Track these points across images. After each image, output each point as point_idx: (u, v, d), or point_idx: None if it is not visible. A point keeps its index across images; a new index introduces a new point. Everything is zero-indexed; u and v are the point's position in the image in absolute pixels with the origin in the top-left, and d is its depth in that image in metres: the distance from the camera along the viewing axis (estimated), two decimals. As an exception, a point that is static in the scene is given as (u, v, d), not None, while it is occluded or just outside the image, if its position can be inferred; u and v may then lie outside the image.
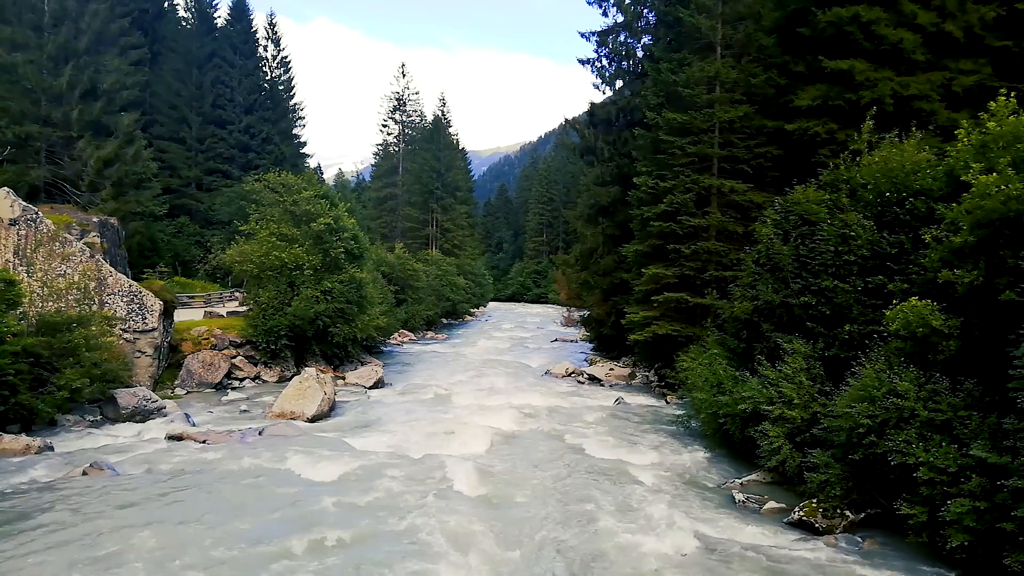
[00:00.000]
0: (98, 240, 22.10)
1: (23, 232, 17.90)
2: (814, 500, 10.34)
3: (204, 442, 13.87)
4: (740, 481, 12.30)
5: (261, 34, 50.34)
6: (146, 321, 19.12)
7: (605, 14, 29.22)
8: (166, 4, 48.98)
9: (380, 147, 71.64)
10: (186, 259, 40.55)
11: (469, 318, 61.67)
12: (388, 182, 69.61)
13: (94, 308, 17.77)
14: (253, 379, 22.21)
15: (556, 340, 41.82)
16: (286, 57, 51.86)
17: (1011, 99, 9.97)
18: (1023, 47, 16.85)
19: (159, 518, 9.54)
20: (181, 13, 49.37)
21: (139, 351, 18.97)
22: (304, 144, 54.20)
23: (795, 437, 11.46)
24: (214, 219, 42.29)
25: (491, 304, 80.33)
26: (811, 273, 12.55)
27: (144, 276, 23.75)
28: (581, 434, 15.88)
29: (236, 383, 21.60)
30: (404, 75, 69.59)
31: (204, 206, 43.27)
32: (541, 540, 9.41)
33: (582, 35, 29.59)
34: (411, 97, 69.95)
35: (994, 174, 9.00)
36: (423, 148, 65.41)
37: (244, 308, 25.48)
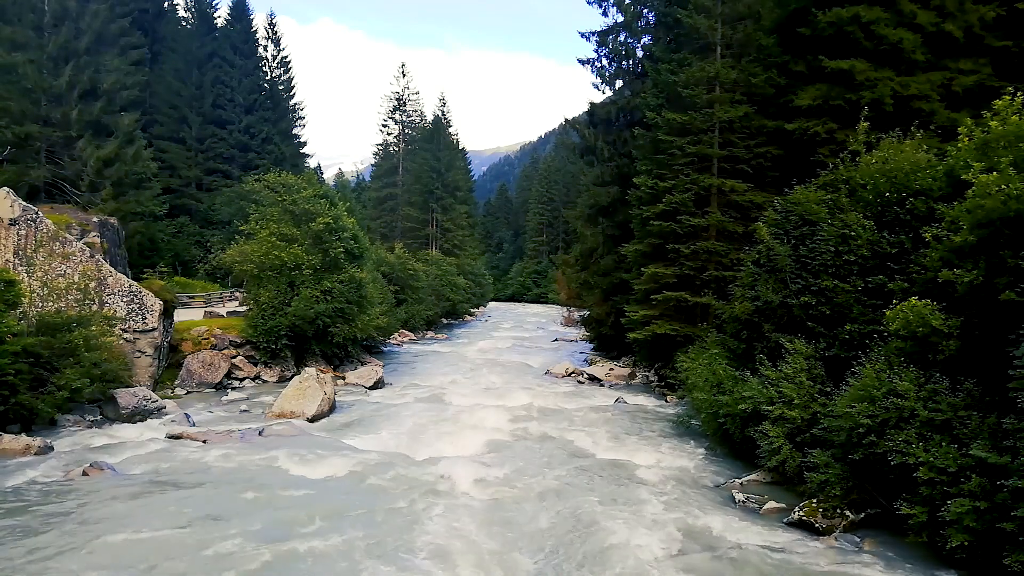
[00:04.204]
0: (98, 240, 22.11)
1: (23, 232, 17.90)
2: (814, 500, 10.34)
3: (204, 442, 13.87)
4: (740, 481, 12.30)
5: (261, 34, 50.40)
6: (146, 321, 19.12)
7: (605, 14, 29.28)
8: (166, 4, 49.02)
9: (380, 147, 71.66)
10: (186, 259, 40.54)
11: (469, 318, 61.68)
12: (388, 182, 69.62)
13: (94, 308, 17.74)
14: (253, 379, 22.21)
15: (556, 340, 41.80)
16: (286, 57, 51.92)
17: (1017, 97, 9.92)
18: (1023, 47, 16.85)
19: (159, 518, 9.53)
20: (181, 13, 49.47)
21: (139, 351, 18.96)
22: (304, 144, 54.27)
23: (795, 437, 11.45)
24: (214, 219, 42.29)
25: (491, 304, 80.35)
26: (811, 273, 12.55)
27: (144, 276, 23.70)
28: (581, 434, 15.86)
29: (236, 383, 21.60)
30: (404, 75, 69.65)
31: (204, 206, 43.28)
32: (541, 540, 9.41)
33: (582, 35, 29.65)
34: (411, 97, 70.02)
35: (995, 173, 9.00)
36: (423, 148, 65.40)
37: (244, 308, 25.47)
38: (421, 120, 70.77)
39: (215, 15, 49.28)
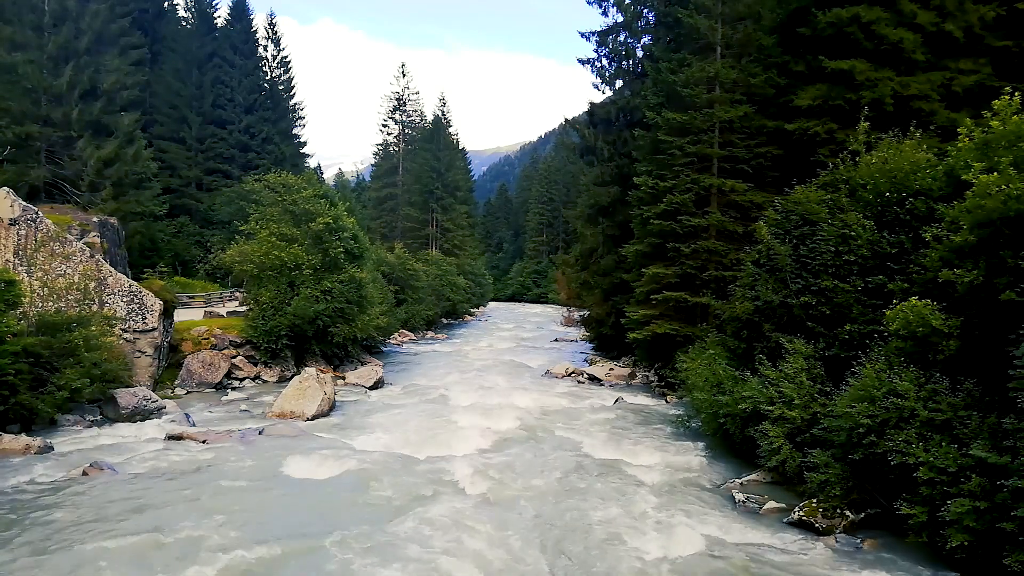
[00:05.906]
0: (98, 240, 22.12)
1: (23, 232, 17.90)
2: (814, 500, 10.34)
3: (204, 442, 13.87)
4: (740, 481, 12.30)
5: (261, 34, 50.49)
6: (146, 321, 19.12)
7: (605, 14, 29.26)
8: (166, 4, 49.04)
9: (380, 147, 71.73)
10: (186, 259, 40.55)
11: (469, 318, 61.67)
12: (388, 182, 69.66)
13: (94, 308, 17.75)
14: (253, 379, 22.21)
15: (556, 340, 41.80)
16: (286, 57, 51.97)
17: (1015, 97, 9.92)
18: (1023, 47, 16.85)
19: (159, 518, 9.53)
20: (181, 13, 49.48)
21: (139, 351, 18.96)
22: (304, 144, 54.33)
23: (795, 437, 11.45)
24: (214, 219, 42.32)
25: (491, 304, 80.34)
26: (811, 273, 12.55)
27: (144, 276, 23.68)
28: (581, 434, 15.87)
29: (236, 383, 21.60)
30: (404, 75, 69.71)
31: (204, 206, 43.31)
32: (541, 540, 9.41)
33: (582, 35, 29.64)
34: (411, 97, 70.11)
35: (995, 174, 9.00)
36: (423, 148, 65.44)
37: (244, 308, 25.47)
38: (421, 120, 70.84)
39: (215, 15, 49.32)
